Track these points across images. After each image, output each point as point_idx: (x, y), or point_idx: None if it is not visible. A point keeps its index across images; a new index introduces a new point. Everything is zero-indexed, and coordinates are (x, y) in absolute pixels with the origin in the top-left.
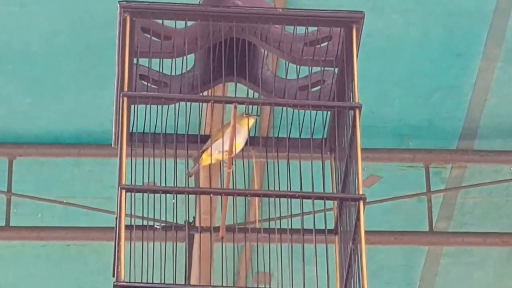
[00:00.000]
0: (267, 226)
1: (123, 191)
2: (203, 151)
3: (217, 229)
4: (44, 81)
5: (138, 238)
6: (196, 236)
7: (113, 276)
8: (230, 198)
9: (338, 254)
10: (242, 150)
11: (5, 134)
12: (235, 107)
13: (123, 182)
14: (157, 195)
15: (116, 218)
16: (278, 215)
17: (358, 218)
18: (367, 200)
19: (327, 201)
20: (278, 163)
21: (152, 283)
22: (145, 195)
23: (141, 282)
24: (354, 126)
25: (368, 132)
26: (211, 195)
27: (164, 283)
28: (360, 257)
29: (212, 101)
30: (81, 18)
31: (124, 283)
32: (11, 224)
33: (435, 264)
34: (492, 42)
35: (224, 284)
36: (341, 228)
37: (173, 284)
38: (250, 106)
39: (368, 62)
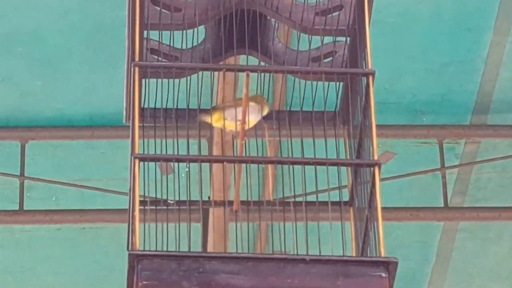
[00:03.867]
0: (282, 201)
1: (137, 161)
2: (214, 111)
3: (231, 203)
4: (55, 63)
5: (152, 215)
6: (211, 213)
7: (127, 249)
8: (244, 172)
9: (353, 224)
10: (254, 125)
11: (17, 117)
12: (248, 75)
13: (136, 151)
14: (170, 174)
15: (130, 188)
16: (292, 185)
17: (373, 185)
18: (382, 177)
19: (341, 175)
20: (291, 137)
21: (167, 251)
22: (159, 173)
23: (156, 250)
24: (367, 93)
25: (381, 108)
26: (225, 163)
27: (178, 251)
28: (377, 223)
29: (224, 70)
30: None
31: (139, 252)
32: (25, 208)
33: (451, 239)
34: (503, 16)
35: None
36: (356, 200)
37: (187, 251)
38: (262, 77)
39: (380, 37)
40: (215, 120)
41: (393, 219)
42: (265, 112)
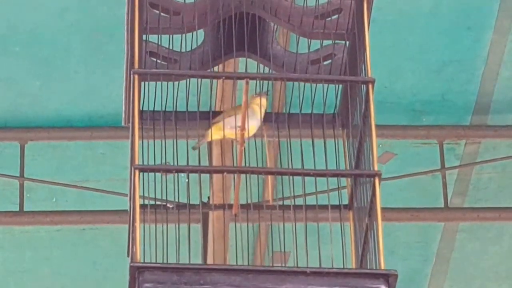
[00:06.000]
0: (282, 205)
1: (137, 171)
2: (213, 124)
3: (231, 207)
4: (53, 62)
5: (152, 219)
6: (211, 215)
7: (128, 256)
8: (244, 176)
9: (353, 230)
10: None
11: (15, 118)
12: (247, 83)
13: (136, 162)
14: (169, 176)
15: (130, 199)
16: (292, 192)
17: (373, 194)
18: (382, 177)
19: (341, 181)
20: (290, 140)
21: (168, 263)
22: (158, 176)
23: (157, 263)
24: (367, 101)
25: (381, 107)
26: (225, 173)
27: (179, 263)
28: (377, 233)
29: (223, 78)
30: None
31: (140, 264)
32: (25, 209)
33: (451, 240)
34: (504, 15)
35: (240, 263)
36: (356, 205)
37: (189, 263)
38: (261, 83)
39: (379, 36)
40: (215, 133)
41: (393, 219)
42: (264, 104)
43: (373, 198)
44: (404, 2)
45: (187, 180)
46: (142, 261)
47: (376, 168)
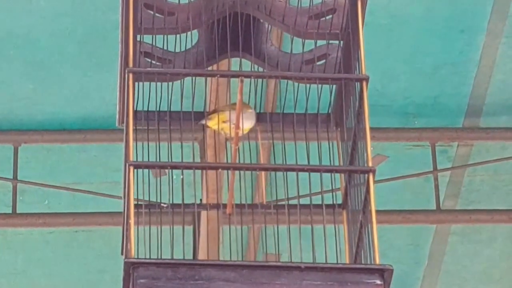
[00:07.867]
0: (275, 204)
1: (131, 168)
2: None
3: (224, 206)
4: (47, 66)
5: (146, 218)
6: (204, 215)
7: (122, 254)
8: (237, 176)
9: (347, 229)
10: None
11: (9, 121)
12: (241, 81)
13: (130, 158)
14: (163, 177)
15: (124, 196)
16: (286, 191)
17: (367, 191)
18: (374, 179)
19: (335, 179)
20: (284, 140)
21: (162, 259)
22: (152, 177)
23: (151, 258)
24: (361, 98)
25: (374, 110)
26: (219, 170)
27: (173, 259)
28: (371, 230)
29: (218, 76)
30: (83, 1)
31: (135, 259)
32: (17, 211)
33: (443, 242)
34: (496, 17)
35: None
36: (350, 204)
37: (182, 259)
38: (255, 83)
39: (372, 40)
40: (213, 123)
41: (385, 222)
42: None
43: (367, 195)
44: (397, 6)
45: (181, 176)
46: (136, 257)
47: (370, 164)
